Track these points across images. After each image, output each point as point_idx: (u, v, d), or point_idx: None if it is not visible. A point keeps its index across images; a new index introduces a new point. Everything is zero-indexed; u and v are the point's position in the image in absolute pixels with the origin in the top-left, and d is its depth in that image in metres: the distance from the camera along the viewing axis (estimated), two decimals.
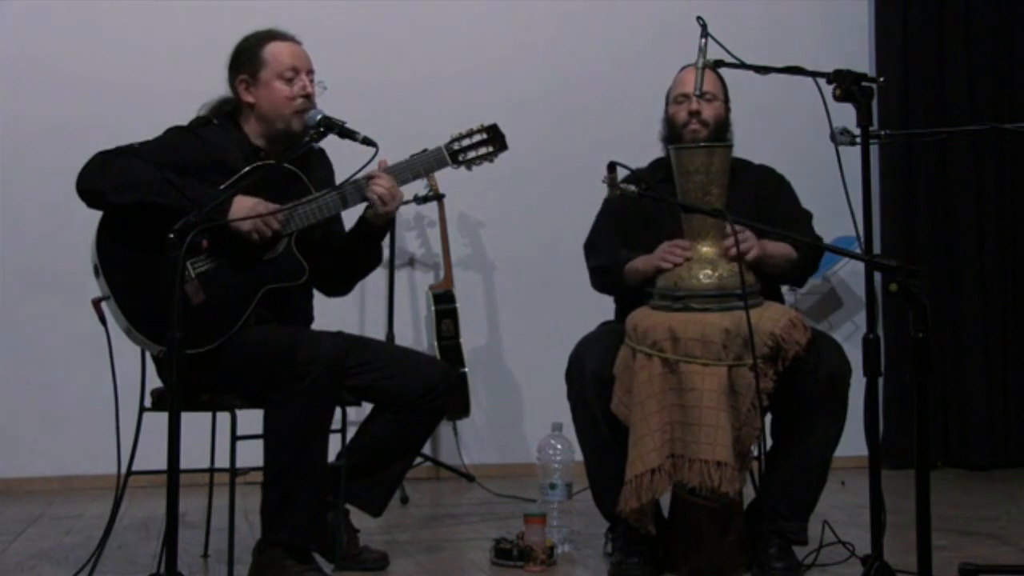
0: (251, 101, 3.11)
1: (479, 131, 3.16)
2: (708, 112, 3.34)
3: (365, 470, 3.19)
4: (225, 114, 3.16)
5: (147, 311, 2.91)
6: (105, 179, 2.92)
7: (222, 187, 2.96)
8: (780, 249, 3.20)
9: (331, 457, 3.22)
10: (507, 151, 3.18)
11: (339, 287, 3.34)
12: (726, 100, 3.40)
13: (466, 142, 3.15)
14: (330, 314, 3.37)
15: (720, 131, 3.35)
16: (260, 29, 3.16)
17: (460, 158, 3.14)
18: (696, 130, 3.33)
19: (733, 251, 3.00)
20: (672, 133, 3.38)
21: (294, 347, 2.89)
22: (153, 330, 2.90)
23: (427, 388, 3.14)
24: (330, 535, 3.07)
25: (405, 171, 3.11)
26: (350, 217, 3.21)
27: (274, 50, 3.10)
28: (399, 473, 3.29)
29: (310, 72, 3.12)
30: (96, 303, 2.94)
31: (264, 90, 3.09)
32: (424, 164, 3.13)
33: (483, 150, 3.16)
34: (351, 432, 3.23)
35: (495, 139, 3.17)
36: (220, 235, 2.90)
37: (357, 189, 3.07)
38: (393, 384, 3.14)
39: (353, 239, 3.22)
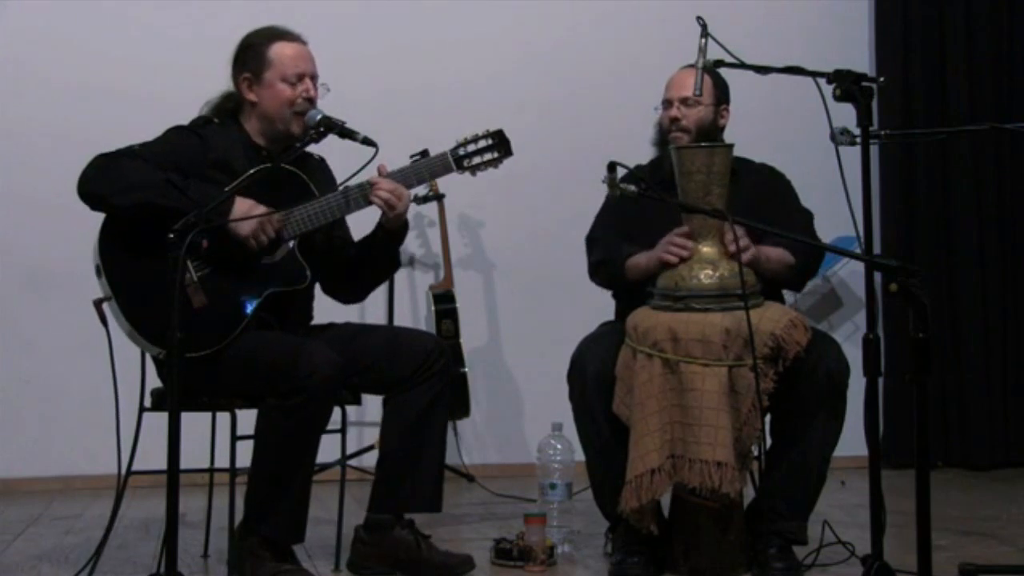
0: (253, 100, 3.10)
1: (484, 136, 3.13)
2: (690, 118, 3.32)
3: (400, 473, 3.10)
4: (227, 111, 3.15)
5: (149, 313, 2.90)
6: (106, 182, 2.91)
7: (227, 189, 2.95)
8: (777, 254, 3.19)
9: (329, 457, 3.23)
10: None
11: (354, 295, 3.32)
12: (719, 102, 3.37)
13: (471, 147, 3.12)
14: (330, 314, 3.36)
15: (704, 135, 3.32)
16: (266, 26, 3.14)
17: (465, 164, 3.11)
18: (677, 137, 3.33)
19: (733, 247, 2.99)
20: (661, 137, 3.40)
21: (293, 361, 2.86)
22: (154, 332, 2.89)
23: (419, 361, 3.08)
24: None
25: (409, 177, 3.08)
26: (355, 221, 3.21)
27: (280, 51, 3.08)
28: (435, 460, 3.14)
29: (314, 76, 3.10)
30: (97, 304, 2.93)
31: (267, 90, 3.08)
32: (429, 169, 3.11)
33: (488, 156, 3.13)
34: (351, 432, 3.22)
35: (500, 145, 3.13)
36: (221, 238, 2.89)
37: (360, 194, 3.05)
38: (384, 366, 3.09)
39: (370, 246, 3.19)
